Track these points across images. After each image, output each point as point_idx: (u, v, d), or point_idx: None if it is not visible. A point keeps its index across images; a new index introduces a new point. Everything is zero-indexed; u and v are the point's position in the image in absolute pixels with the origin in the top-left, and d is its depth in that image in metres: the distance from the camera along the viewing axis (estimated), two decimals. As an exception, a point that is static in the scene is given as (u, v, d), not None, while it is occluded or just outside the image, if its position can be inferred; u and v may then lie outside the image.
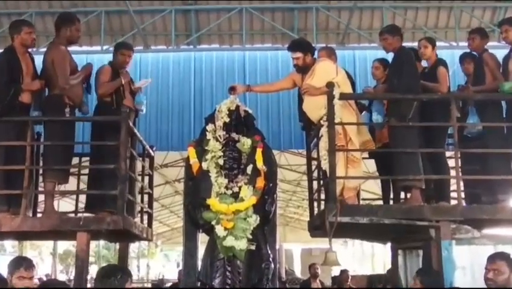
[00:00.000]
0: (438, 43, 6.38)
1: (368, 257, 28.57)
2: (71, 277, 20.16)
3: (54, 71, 5.51)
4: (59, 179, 5.52)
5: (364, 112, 6.28)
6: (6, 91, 5.30)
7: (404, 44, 5.86)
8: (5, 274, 4.23)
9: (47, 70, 5.57)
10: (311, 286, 9.57)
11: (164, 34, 12.23)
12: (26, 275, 4.15)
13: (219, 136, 5.52)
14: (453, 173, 5.52)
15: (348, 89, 5.53)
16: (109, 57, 6.50)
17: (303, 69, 5.75)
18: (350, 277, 10.23)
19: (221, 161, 5.43)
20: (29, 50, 5.69)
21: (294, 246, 22.32)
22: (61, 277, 25.15)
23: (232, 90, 5.78)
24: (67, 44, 5.70)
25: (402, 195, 6.05)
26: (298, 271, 18.61)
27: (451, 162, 5.52)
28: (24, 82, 5.45)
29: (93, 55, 10.41)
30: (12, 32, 5.61)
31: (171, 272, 26.58)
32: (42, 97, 5.67)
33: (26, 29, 5.57)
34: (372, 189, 10.72)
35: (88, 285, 5.82)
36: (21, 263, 4.21)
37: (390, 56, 5.96)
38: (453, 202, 5.65)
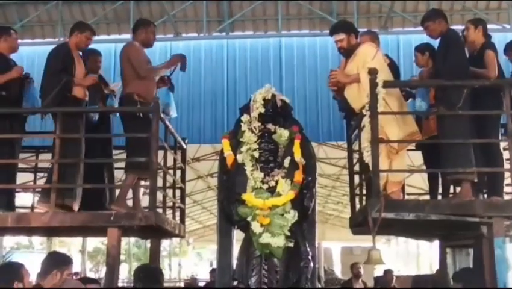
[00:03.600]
0: (489, 26, 6.24)
1: (414, 256, 28.31)
2: (102, 276, 20.59)
3: (130, 68, 5.79)
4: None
5: (410, 99, 6.19)
6: (57, 81, 5.54)
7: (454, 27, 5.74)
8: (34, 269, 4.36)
9: (123, 69, 5.90)
10: (353, 287, 9.53)
11: (195, 20, 12.26)
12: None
13: (254, 127, 5.52)
14: (507, 165, 5.41)
15: (386, 76, 5.31)
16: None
17: (348, 52, 5.65)
18: (394, 278, 10.15)
19: (256, 154, 5.42)
20: None
21: (334, 245, 22.23)
22: (91, 275, 25.67)
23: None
24: (141, 46, 6.05)
25: (451, 189, 5.96)
26: (338, 271, 18.55)
27: (506, 154, 5.41)
28: (77, 78, 5.71)
29: (121, 44, 10.50)
30: (74, 30, 5.94)
31: (204, 271, 26.83)
32: (99, 95, 6.05)
33: (88, 34, 5.98)
34: (418, 184, 10.57)
35: (120, 284, 5.93)
36: (70, 259, 4.39)
37: (431, 40, 5.87)
38: (506, 197, 5.54)
